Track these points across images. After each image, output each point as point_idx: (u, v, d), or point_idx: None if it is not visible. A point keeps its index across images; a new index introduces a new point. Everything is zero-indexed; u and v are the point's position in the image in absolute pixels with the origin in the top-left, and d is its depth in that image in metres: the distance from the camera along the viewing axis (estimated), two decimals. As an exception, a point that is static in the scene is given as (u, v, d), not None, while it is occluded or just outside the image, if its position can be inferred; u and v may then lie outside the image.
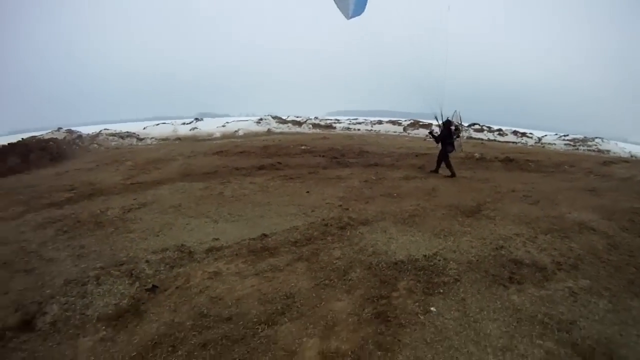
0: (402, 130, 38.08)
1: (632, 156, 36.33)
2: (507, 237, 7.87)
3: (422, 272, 6.06)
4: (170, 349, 4.13)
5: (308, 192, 10.78)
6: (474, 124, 41.98)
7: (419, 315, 4.90)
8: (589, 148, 38.56)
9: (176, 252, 6.45)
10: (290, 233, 7.54)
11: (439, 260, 6.51)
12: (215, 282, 5.49)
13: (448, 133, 14.03)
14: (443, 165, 14.58)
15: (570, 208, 10.67)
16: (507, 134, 40.32)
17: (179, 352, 4.07)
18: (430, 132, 15.82)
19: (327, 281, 5.68)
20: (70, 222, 8.19)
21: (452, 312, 5.05)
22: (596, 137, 44.50)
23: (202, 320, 4.63)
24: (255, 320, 4.64)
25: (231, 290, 5.27)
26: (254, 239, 7.14)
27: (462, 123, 14.59)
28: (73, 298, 5.06)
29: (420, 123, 40.21)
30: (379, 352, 4.18)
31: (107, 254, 6.44)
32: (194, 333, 4.41)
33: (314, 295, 5.30)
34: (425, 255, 6.64)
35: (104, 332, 4.40)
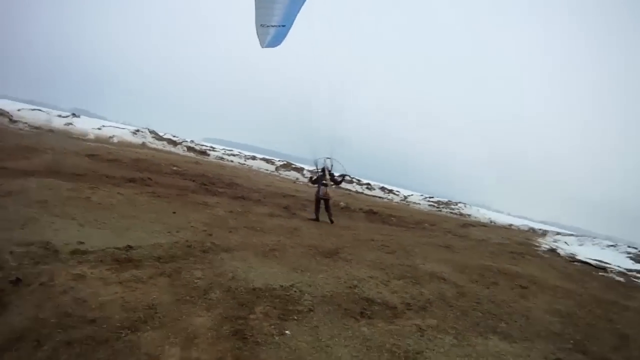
0: (274, 169, 38.80)
1: (491, 222, 39.62)
2: (362, 279, 8.50)
3: (278, 299, 6.48)
4: (35, 343, 4.13)
5: (175, 212, 10.90)
6: (344, 175, 43.58)
7: (275, 336, 5.31)
8: (451, 211, 41.65)
9: (41, 249, 6.34)
10: (154, 249, 7.66)
11: (295, 292, 6.98)
12: (79, 284, 5.45)
13: (322, 178, 14.97)
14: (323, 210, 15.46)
15: (424, 260, 11.67)
16: (375, 189, 42.54)
17: (45, 347, 4.09)
18: (311, 177, 16.35)
19: (188, 297, 5.89)
20: None
21: (305, 337, 5.50)
22: (459, 202, 48.18)
23: (67, 319, 4.57)
24: (118, 325, 4.72)
25: (95, 295, 5.28)
26: (119, 248, 7.17)
27: (332, 171, 15.52)
28: None
29: (293, 166, 41.14)
30: (237, 365, 4.49)
31: (-32, 240, 6.15)
32: (58, 330, 4.38)
33: (175, 309, 5.46)
34: (282, 286, 7.09)
35: (-35, 321, 4.25)
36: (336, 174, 15.71)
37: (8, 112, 23.00)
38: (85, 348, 4.21)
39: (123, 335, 4.59)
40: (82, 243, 6.96)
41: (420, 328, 6.80)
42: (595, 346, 8.33)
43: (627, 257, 32.41)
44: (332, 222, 15.21)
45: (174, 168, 19.92)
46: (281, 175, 36.28)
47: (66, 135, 23.72)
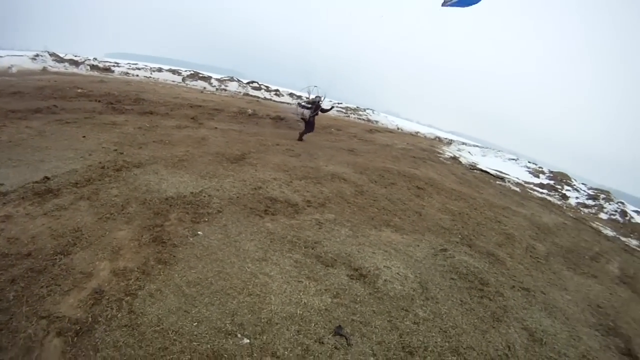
0: (180, 81, 37.61)
1: (398, 128, 40.77)
2: (266, 180, 9.37)
3: (189, 205, 7.29)
4: (-20, 291, 4.51)
5: (84, 136, 10.98)
6: (252, 82, 43.49)
7: (189, 237, 6.19)
8: (359, 117, 42.24)
9: (-38, 201, 6.48)
10: (70, 175, 7.98)
11: (204, 197, 7.77)
12: (8, 224, 5.83)
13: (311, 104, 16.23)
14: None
15: (327, 162, 12.66)
16: (283, 95, 42.35)
17: (-7, 289, 4.50)
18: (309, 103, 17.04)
19: (108, 215, 6.55)
20: None
21: (216, 235, 6.44)
22: (368, 108, 48.97)
23: (5, 259, 4.99)
24: (52, 252, 5.28)
25: (25, 230, 5.71)
26: (37, 182, 7.41)
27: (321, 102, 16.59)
28: None
29: (200, 75, 40.25)
30: (160, 266, 5.34)
31: None
32: (0, 272, 4.76)
33: (98, 227, 6.11)
34: (192, 192, 7.85)
35: None
36: (324, 106, 16.93)
37: None
38: (28, 280, 4.69)
39: (58, 260, 5.13)
40: (1, 185, 7.13)
41: (319, 222, 7.88)
42: (481, 242, 9.74)
43: (527, 170, 36.47)
44: (299, 139, 16.79)
45: (79, 90, 19.15)
46: (188, 86, 35.38)
47: (-40, 77, 21.89)
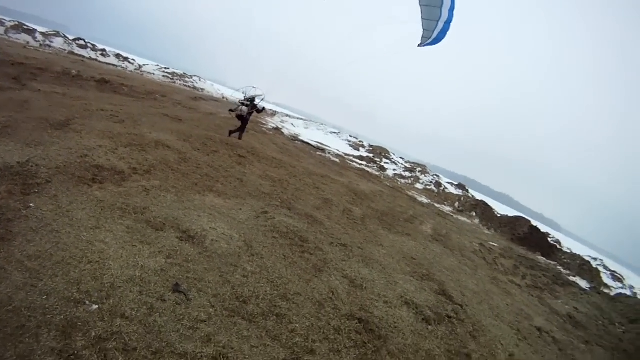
0: (3, 32, 34.53)
1: (223, 97, 41.57)
2: (91, 148, 9.27)
3: (18, 176, 7.00)
4: None
5: None
6: (79, 39, 41.36)
7: (22, 210, 6.06)
8: (185, 83, 42.41)
9: None
10: None
11: (32, 166, 7.52)
12: None
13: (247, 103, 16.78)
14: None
15: (151, 129, 12.78)
16: (109, 56, 40.99)
17: None
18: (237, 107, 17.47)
19: None
20: None
21: (48, 206, 6.40)
22: (195, 75, 49.09)
23: None
24: None
25: None
26: None
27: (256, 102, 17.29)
28: None
29: (25, 27, 37.41)
30: (-2, 243, 5.14)
31: None
32: None
33: None
34: (19, 162, 7.51)
35: None
36: (259, 106, 17.54)
37: None
38: None
39: None
40: None
41: (145, 188, 8.26)
42: (300, 205, 10.88)
43: (347, 144, 39.58)
44: (240, 138, 17.37)
45: None
46: (11, 39, 32.54)
47: None
